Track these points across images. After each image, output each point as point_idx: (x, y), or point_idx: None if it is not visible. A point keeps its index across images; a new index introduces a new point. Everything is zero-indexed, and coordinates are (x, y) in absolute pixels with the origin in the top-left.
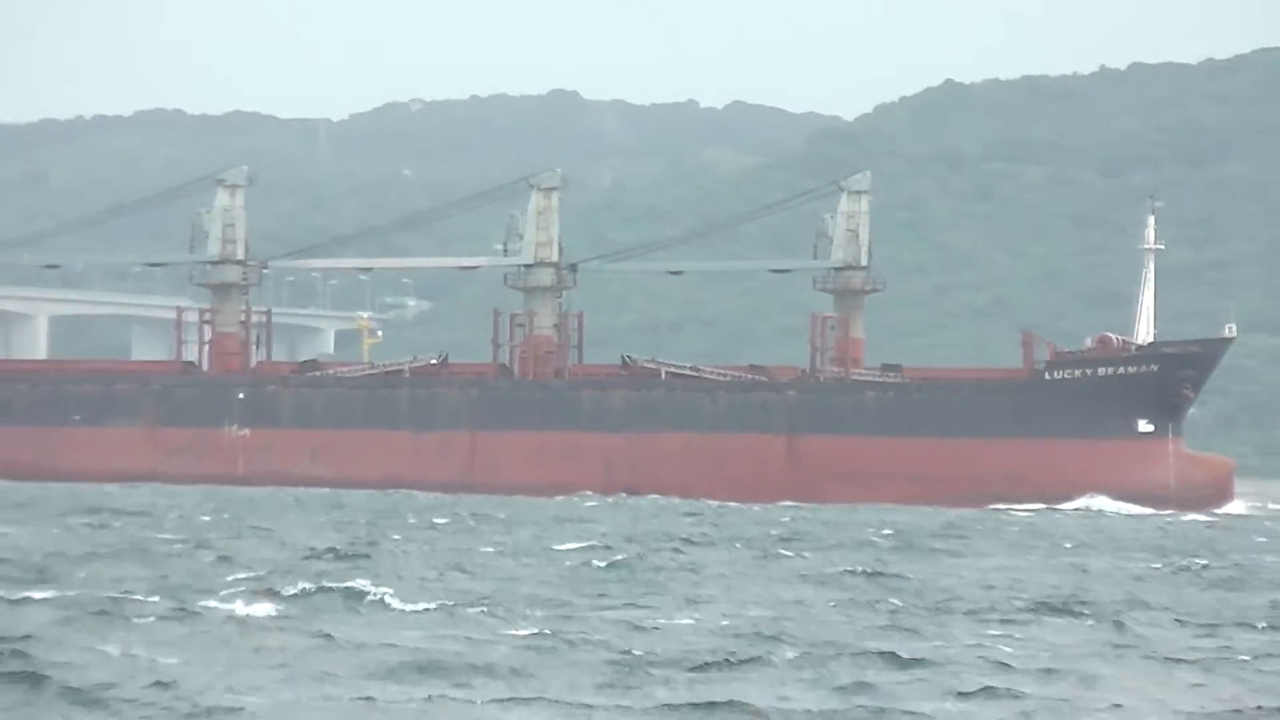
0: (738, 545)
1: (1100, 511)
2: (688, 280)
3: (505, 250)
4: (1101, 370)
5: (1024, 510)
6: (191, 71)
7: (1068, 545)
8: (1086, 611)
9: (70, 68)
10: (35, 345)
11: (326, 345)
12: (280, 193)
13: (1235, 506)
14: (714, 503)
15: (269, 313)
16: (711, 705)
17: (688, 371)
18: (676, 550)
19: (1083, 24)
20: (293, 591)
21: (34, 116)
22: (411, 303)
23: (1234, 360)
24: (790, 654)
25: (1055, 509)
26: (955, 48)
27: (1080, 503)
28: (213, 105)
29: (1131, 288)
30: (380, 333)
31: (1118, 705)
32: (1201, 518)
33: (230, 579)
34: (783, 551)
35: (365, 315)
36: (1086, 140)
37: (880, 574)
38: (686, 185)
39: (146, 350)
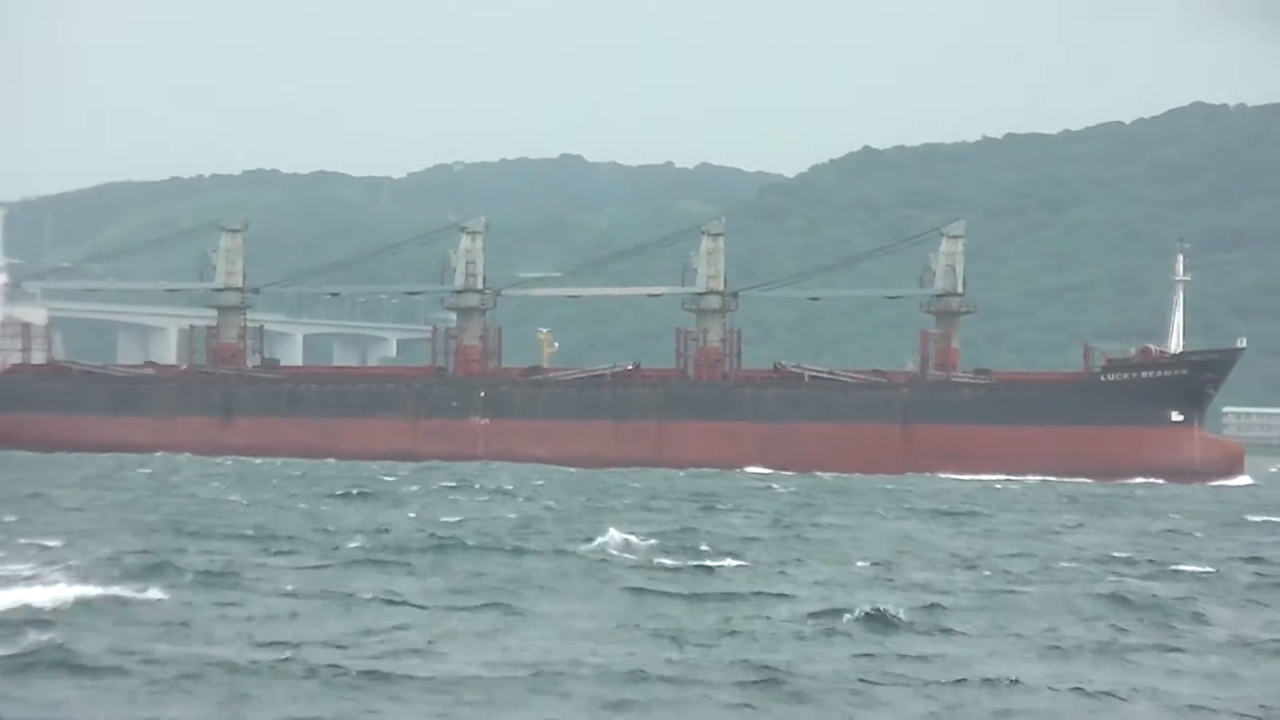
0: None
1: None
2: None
3: (683, 281)
4: (1144, 373)
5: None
6: (285, 138)
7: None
8: None
9: (192, 134)
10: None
11: (390, 350)
12: (352, 234)
13: (1242, 479)
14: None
15: (500, 330)
16: None
17: (825, 374)
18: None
19: (969, 102)
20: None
21: (165, 175)
22: (454, 317)
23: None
24: None
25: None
26: (872, 120)
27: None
28: (301, 165)
29: (1005, 304)
30: (556, 344)
31: None
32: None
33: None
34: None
35: (545, 330)
36: (972, 192)
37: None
38: (665, 228)
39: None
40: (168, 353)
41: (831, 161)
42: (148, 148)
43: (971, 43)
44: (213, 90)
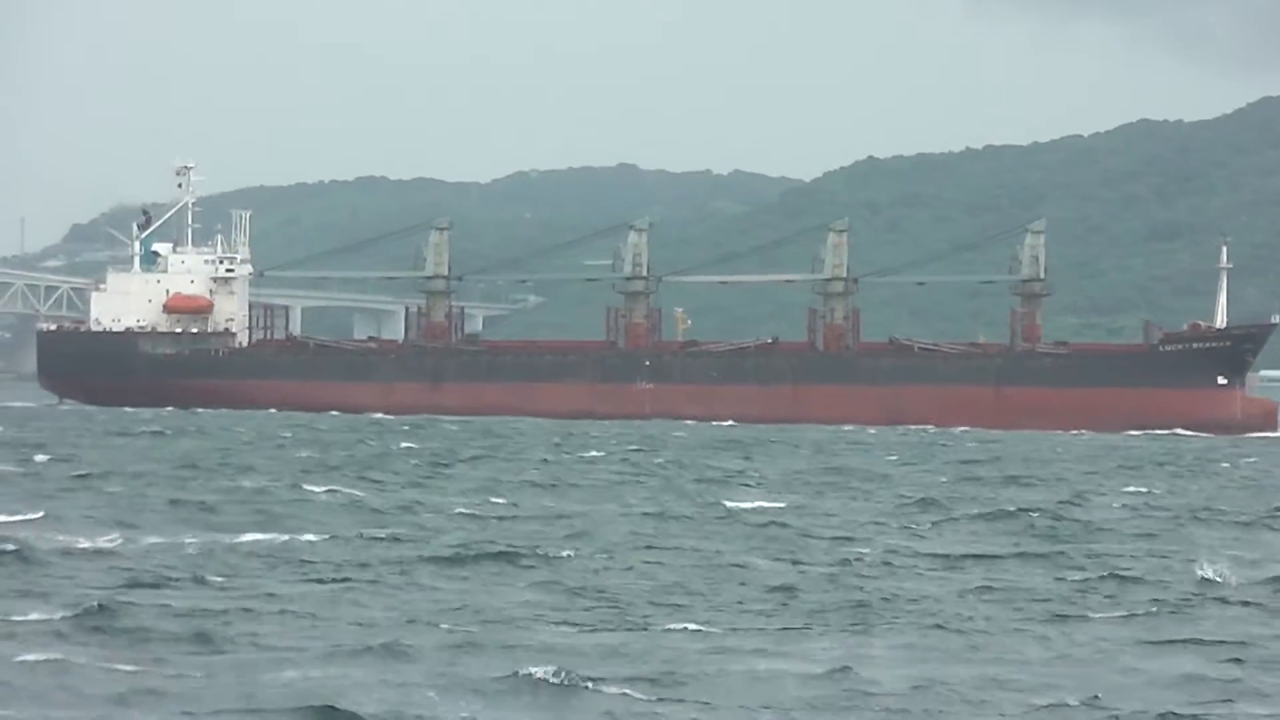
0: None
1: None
2: None
3: (812, 269)
4: (1195, 345)
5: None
6: (391, 148)
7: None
8: None
9: (315, 143)
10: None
11: (477, 325)
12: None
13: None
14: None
15: (660, 310)
16: None
17: (930, 346)
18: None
19: (955, 119)
20: None
21: (290, 180)
22: (531, 298)
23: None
24: None
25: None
26: (875, 134)
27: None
28: (405, 172)
29: (983, 288)
30: (689, 321)
31: None
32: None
33: None
34: None
35: (680, 310)
36: (957, 193)
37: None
38: (703, 225)
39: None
40: (295, 324)
41: (841, 168)
42: (277, 156)
43: (957, 69)
44: (330, 106)
